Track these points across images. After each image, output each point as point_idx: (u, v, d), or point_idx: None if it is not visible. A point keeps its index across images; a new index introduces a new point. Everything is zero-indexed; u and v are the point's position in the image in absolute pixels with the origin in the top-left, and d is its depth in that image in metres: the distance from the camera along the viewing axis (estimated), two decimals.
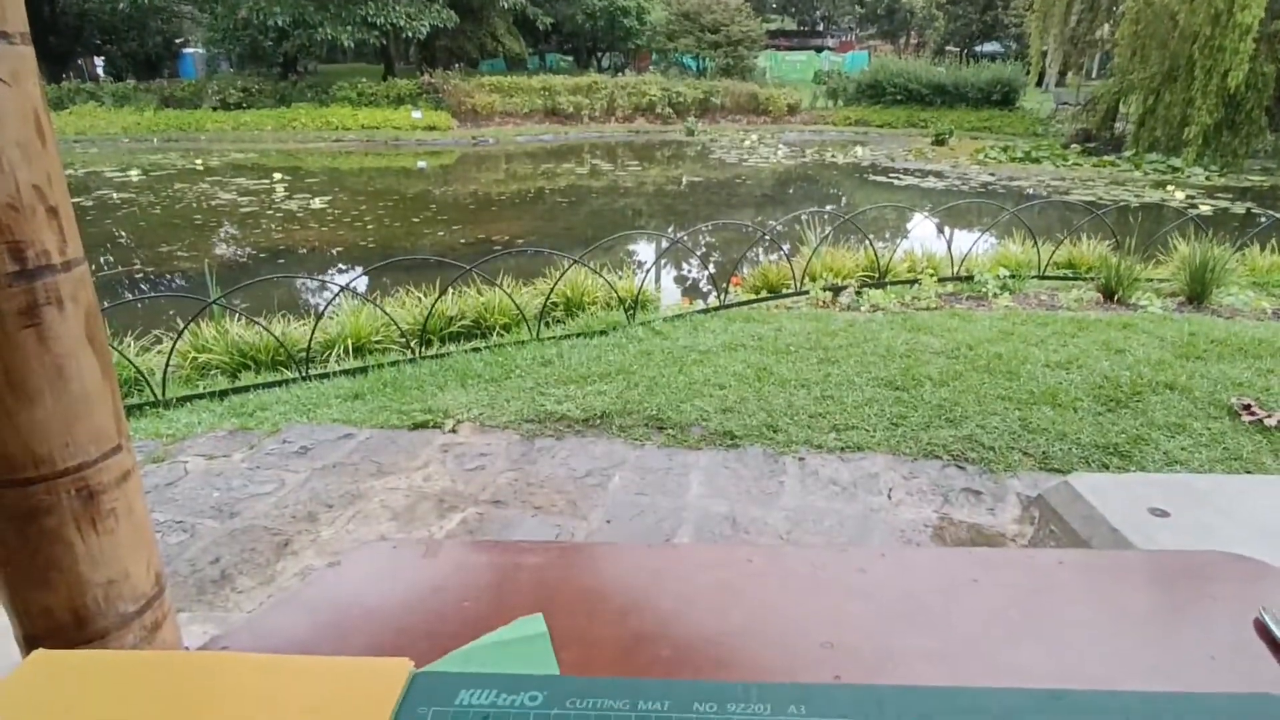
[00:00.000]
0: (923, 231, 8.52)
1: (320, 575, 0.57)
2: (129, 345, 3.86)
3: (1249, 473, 2.48)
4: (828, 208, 11.60)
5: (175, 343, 3.57)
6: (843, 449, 2.78)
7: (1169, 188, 12.37)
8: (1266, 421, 2.80)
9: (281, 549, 2.24)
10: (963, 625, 0.53)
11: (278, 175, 13.77)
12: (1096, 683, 0.48)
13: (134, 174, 14.08)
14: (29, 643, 0.80)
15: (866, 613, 0.55)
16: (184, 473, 2.71)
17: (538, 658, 0.51)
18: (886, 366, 3.51)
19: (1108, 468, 2.57)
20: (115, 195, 12.06)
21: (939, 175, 14.55)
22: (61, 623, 0.79)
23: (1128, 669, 0.49)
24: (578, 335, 4.14)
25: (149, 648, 0.88)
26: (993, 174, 14.61)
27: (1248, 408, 2.89)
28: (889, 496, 2.47)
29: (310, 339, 3.77)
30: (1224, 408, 2.96)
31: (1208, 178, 13.43)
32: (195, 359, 3.82)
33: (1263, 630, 0.52)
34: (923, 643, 0.52)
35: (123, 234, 9.58)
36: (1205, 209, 10.60)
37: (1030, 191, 12.63)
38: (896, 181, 14.07)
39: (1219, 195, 12.10)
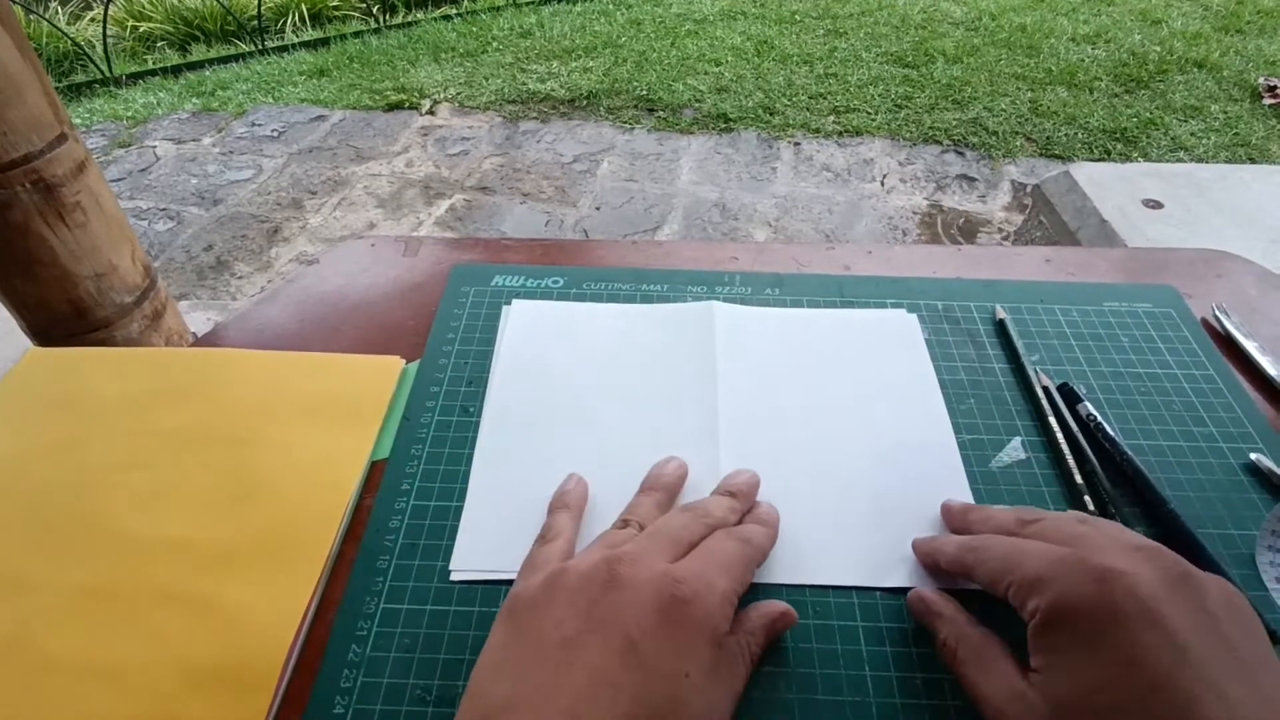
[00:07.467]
0: None
1: (301, 273, 0.56)
2: (56, 14, 3.44)
3: (1253, 161, 2.43)
4: None
5: (107, 6, 3.18)
6: (841, 133, 2.66)
7: None
8: None
9: (272, 236, 2.25)
10: None
11: None
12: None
13: None
14: (38, 335, 0.83)
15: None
16: (155, 158, 2.60)
17: None
18: (899, 40, 3.22)
19: (1110, 154, 2.50)
20: None
21: None
22: (62, 314, 0.81)
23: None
24: None
25: (155, 336, 0.91)
26: None
27: (1272, 89, 2.73)
28: (882, 183, 2.43)
29: (260, 4, 3.36)
30: (1248, 89, 2.79)
31: None
32: (136, 29, 3.43)
33: (1209, 327, 0.54)
34: None
35: None
36: None
37: None
38: None
39: None
